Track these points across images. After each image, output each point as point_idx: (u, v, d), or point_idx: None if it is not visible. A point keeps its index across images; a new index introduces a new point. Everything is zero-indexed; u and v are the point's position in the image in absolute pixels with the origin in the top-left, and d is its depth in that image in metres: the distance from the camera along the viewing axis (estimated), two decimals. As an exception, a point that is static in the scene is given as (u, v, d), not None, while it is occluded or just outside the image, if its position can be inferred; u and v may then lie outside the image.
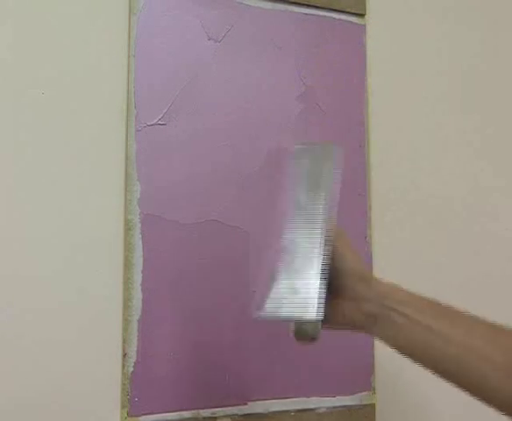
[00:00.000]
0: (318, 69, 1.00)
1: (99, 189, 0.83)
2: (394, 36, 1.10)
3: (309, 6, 0.99)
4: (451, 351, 0.49)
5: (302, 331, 0.54)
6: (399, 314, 0.51)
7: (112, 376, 0.81)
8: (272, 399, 0.90)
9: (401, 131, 1.08)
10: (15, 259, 0.78)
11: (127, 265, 0.82)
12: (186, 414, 0.84)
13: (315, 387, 0.92)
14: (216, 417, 0.86)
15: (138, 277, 0.83)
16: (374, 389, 0.97)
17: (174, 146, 0.88)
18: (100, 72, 0.85)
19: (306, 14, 0.99)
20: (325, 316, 0.51)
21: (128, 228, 0.83)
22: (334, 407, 0.93)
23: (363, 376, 0.96)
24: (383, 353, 0.96)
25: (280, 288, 0.51)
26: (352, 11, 1.03)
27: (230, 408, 0.87)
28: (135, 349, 0.81)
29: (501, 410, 0.47)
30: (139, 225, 0.84)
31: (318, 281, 0.50)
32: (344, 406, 0.94)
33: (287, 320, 0.52)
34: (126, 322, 0.82)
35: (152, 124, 0.86)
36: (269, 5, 0.97)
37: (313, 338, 0.54)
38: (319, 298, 0.50)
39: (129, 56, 0.86)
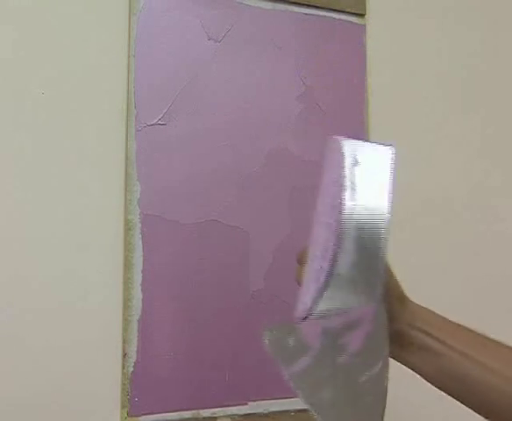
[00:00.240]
0: (318, 69, 1.00)
1: (99, 189, 0.83)
2: (394, 36, 1.10)
3: (309, 6, 0.99)
4: (491, 381, 0.45)
5: None
6: (433, 339, 0.48)
7: (112, 376, 0.81)
8: (272, 399, 0.90)
9: (401, 131, 1.08)
10: (15, 259, 0.78)
11: (127, 265, 0.83)
12: (186, 414, 0.84)
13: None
14: (216, 417, 0.86)
15: (138, 277, 0.83)
16: (374, 389, 0.97)
17: (174, 146, 0.88)
18: (100, 72, 0.85)
19: (306, 14, 0.99)
20: None
21: (128, 228, 0.83)
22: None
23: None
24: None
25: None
26: (352, 11, 1.03)
27: (230, 408, 0.87)
28: (135, 349, 0.82)
29: None
30: (139, 225, 0.84)
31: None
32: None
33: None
34: (126, 322, 0.82)
35: (152, 124, 0.86)
36: (269, 5, 0.97)
37: None
38: None
39: (129, 56, 0.86)
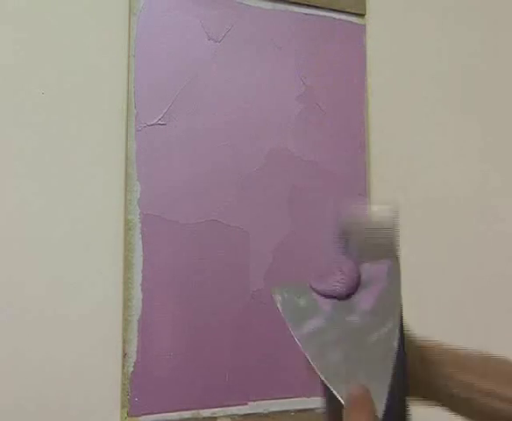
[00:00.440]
0: (318, 69, 1.00)
1: (99, 189, 0.83)
2: (394, 36, 1.10)
3: (309, 6, 0.99)
4: None
5: None
6: (459, 384, 0.46)
7: (112, 376, 0.81)
8: (272, 399, 0.90)
9: (401, 131, 1.08)
10: (15, 259, 0.78)
11: (127, 265, 0.82)
12: (186, 414, 0.84)
13: (315, 387, 0.92)
14: (216, 417, 0.86)
15: (138, 277, 0.83)
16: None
17: (174, 146, 0.88)
18: (100, 72, 0.85)
19: (306, 14, 0.99)
20: None
21: (128, 228, 0.83)
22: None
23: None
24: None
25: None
26: (352, 11, 1.03)
27: (230, 408, 0.87)
28: (135, 349, 0.82)
29: None
30: (139, 225, 0.84)
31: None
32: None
33: None
34: (126, 322, 0.82)
35: (152, 124, 0.86)
36: (269, 5, 0.97)
37: None
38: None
39: (129, 56, 0.86)
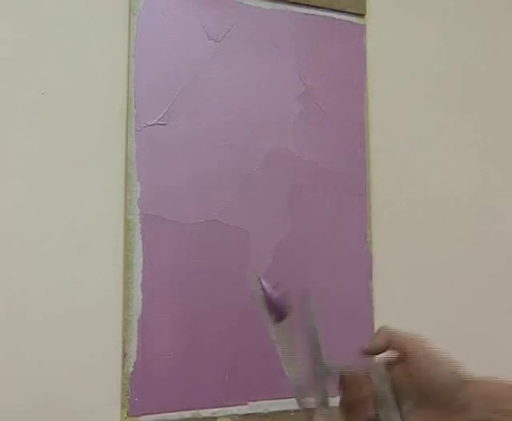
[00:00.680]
0: (318, 69, 1.00)
1: (99, 189, 0.83)
2: (394, 36, 1.10)
3: (309, 6, 0.99)
4: None
5: None
6: (501, 415, 0.43)
7: (112, 376, 0.81)
8: (272, 399, 0.90)
9: (401, 131, 1.08)
10: (15, 259, 0.78)
11: (127, 265, 0.83)
12: (186, 414, 0.84)
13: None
14: (216, 417, 0.86)
15: (138, 277, 0.83)
16: (374, 389, 0.97)
17: (174, 146, 0.88)
18: (100, 72, 0.85)
19: (306, 14, 0.99)
20: None
21: (128, 228, 0.83)
22: (334, 407, 0.93)
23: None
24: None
25: None
26: (352, 11, 1.03)
27: (230, 408, 0.87)
28: (135, 349, 0.81)
29: None
30: (139, 225, 0.84)
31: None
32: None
33: None
34: (126, 322, 0.82)
35: (152, 124, 0.86)
36: (269, 5, 0.97)
37: None
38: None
39: (129, 56, 0.86)
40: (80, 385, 0.79)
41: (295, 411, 0.91)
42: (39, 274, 0.79)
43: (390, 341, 0.48)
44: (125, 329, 0.81)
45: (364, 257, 0.99)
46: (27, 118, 0.80)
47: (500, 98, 1.17)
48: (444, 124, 1.12)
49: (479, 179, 1.13)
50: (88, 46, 0.85)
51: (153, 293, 0.84)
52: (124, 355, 0.81)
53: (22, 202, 0.79)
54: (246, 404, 0.88)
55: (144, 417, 0.81)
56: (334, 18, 1.02)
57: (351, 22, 1.03)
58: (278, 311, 0.51)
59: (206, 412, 0.85)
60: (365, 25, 1.05)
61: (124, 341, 0.81)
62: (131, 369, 0.81)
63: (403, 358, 0.46)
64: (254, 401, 0.88)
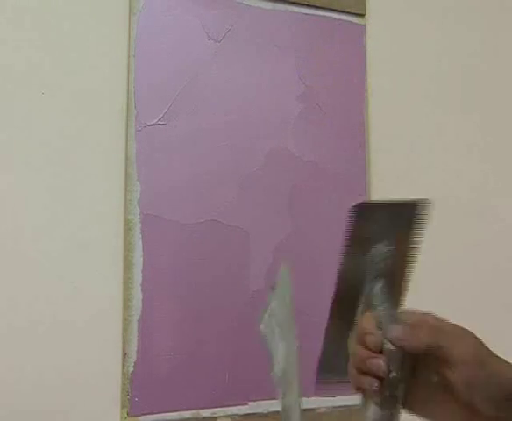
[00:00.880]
0: (318, 69, 1.00)
1: (99, 189, 0.83)
2: (394, 36, 1.10)
3: (309, 6, 0.99)
4: None
5: None
6: None
7: (112, 376, 0.81)
8: (272, 399, 0.89)
9: (401, 131, 1.08)
10: (15, 259, 0.78)
11: (127, 265, 0.82)
12: (186, 414, 0.84)
13: (315, 387, 0.92)
14: (216, 417, 0.86)
15: (138, 277, 0.83)
16: (374, 389, 0.97)
17: (174, 146, 0.88)
18: (100, 72, 0.85)
19: (306, 14, 0.99)
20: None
21: (128, 228, 0.83)
22: (334, 407, 0.93)
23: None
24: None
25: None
26: (352, 11, 1.03)
27: (230, 408, 0.87)
28: (135, 349, 0.81)
29: None
30: (139, 225, 0.84)
31: None
32: (345, 406, 0.94)
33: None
34: (126, 322, 0.82)
35: (152, 124, 0.86)
36: (269, 5, 0.97)
37: None
38: None
39: (129, 56, 0.86)
40: (80, 385, 0.79)
41: (295, 411, 0.90)
42: (39, 275, 0.79)
43: (436, 342, 0.41)
44: (125, 329, 0.81)
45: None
46: (27, 118, 0.80)
47: (500, 98, 1.17)
48: (444, 124, 1.12)
49: (479, 179, 1.13)
50: (88, 46, 0.85)
51: (153, 293, 0.84)
52: (124, 355, 0.81)
53: (22, 202, 0.79)
54: (246, 404, 0.88)
55: (144, 417, 0.81)
56: (334, 18, 1.02)
57: (351, 22, 1.03)
58: None
59: (206, 412, 0.85)
60: (365, 25, 1.05)
61: (124, 341, 0.81)
62: (131, 369, 0.81)
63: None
64: (254, 401, 0.88)
